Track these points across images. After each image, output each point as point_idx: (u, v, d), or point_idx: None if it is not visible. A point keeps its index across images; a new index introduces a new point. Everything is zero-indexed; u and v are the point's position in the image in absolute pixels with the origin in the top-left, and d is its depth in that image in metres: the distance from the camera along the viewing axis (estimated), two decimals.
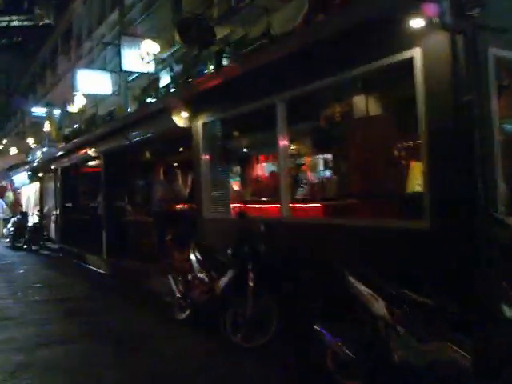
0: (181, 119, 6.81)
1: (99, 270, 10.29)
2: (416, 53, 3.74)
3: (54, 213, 15.25)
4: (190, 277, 5.72)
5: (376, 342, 3.40)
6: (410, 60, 3.80)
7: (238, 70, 5.43)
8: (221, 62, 12.55)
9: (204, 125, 6.59)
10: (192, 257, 5.68)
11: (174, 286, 5.86)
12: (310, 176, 6.61)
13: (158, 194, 8.21)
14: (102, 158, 10.60)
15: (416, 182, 4.79)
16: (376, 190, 5.32)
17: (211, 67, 11.05)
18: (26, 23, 42.91)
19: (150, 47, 14.11)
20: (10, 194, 22.44)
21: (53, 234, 15.82)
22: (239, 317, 4.70)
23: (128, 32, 17.11)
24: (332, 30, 4.22)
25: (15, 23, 42.52)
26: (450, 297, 3.18)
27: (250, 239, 4.84)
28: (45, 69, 31.83)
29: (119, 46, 16.02)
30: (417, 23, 3.56)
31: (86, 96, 17.79)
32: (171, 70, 16.18)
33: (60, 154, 14.06)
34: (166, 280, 7.56)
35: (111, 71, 18.19)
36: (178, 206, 8.37)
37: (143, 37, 14.47)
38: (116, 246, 10.24)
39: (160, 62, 15.97)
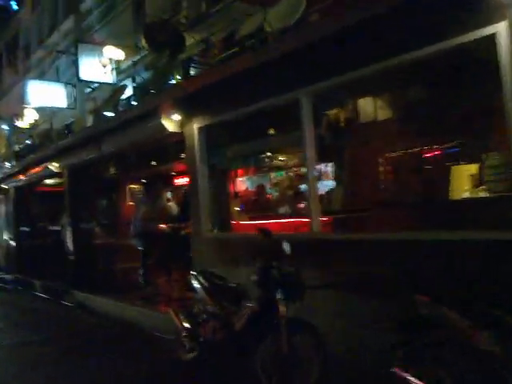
0: (171, 123, 5.87)
1: (66, 304, 9.01)
2: (500, 28, 3.08)
3: (6, 238, 13.65)
4: (196, 309, 4.75)
5: None
6: (490, 37, 3.13)
7: (251, 62, 4.59)
8: (188, 71, 11.71)
9: (200, 129, 5.68)
10: (196, 285, 4.72)
11: (176, 322, 4.85)
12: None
13: (140, 213, 7.15)
14: (65, 174, 9.39)
15: (463, 187, 4.13)
16: (409, 198, 4.63)
17: (178, 77, 10.27)
18: None
19: (113, 54, 13.01)
20: None
21: (3, 263, 14.14)
22: (270, 359, 3.81)
23: (85, 39, 16.03)
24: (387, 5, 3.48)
25: None
26: None
27: (277, 261, 3.96)
28: None
29: (75, 54, 14.93)
30: None
31: (38, 109, 16.44)
32: (133, 80, 15.16)
33: (13, 171, 12.60)
34: (151, 312, 6.57)
35: (66, 83, 17.05)
36: (163, 226, 7.36)
37: (103, 44, 13.43)
38: (84, 274, 9.03)
39: (121, 71, 14.94)
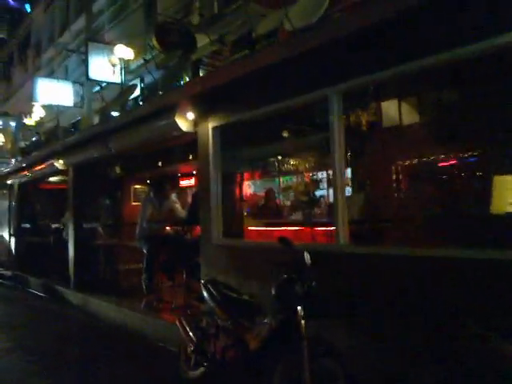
0: (185, 122, 5.53)
1: (64, 304, 8.66)
2: None
3: (7, 234, 13.33)
4: (204, 322, 4.37)
5: None
6: None
7: (279, 55, 4.22)
8: (198, 72, 11.46)
9: (215, 129, 5.33)
10: (206, 295, 4.33)
11: (182, 333, 4.46)
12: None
13: (147, 214, 6.80)
14: (71, 172, 9.08)
15: (507, 199, 3.76)
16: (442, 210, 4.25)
17: (187, 78, 10.01)
18: None
19: (123, 53, 12.78)
20: None
21: (3, 259, 13.83)
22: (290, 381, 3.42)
23: (96, 39, 15.92)
24: None
25: None
26: None
27: (298, 274, 3.58)
28: None
29: (85, 53, 14.83)
30: None
31: (45, 107, 16.35)
32: (142, 81, 14.95)
33: (18, 167, 12.31)
34: (154, 319, 6.20)
35: (74, 81, 16.96)
36: (169, 228, 7.00)
37: (113, 43, 13.23)
38: (85, 274, 8.68)
39: (130, 72, 14.75)
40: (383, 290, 3.60)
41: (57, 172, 10.38)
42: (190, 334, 4.38)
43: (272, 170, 8.12)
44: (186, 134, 5.78)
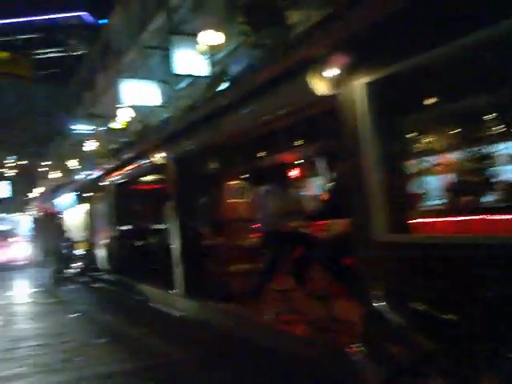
0: (321, 82, 4.29)
1: (176, 314, 7.80)
2: None
3: (106, 238, 13.03)
4: (396, 354, 3.11)
5: None
6: None
7: None
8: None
9: (370, 86, 4.04)
10: (391, 317, 3.06)
11: (366, 371, 3.24)
12: None
13: (269, 208, 5.70)
14: (171, 167, 8.24)
15: None
16: None
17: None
18: (60, 54, 44.55)
19: (211, 39, 11.99)
20: None
21: (101, 264, 13.60)
22: None
23: (177, 31, 15.35)
24: None
25: (51, 55, 44.05)
26: None
27: None
28: (83, 90, 30.80)
29: (167, 49, 14.37)
30: None
31: (131, 109, 16.26)
32: (226, 74, 14.10)
33: (111, 169, 11.90)
34: (290, 336, 5.06)
35: (159, 80, 16.67)
36: (298, 224, 5.82)
37: (196, 35, 12.50)
38: (195, 279, 7.81)
39: (216, 63, 13.92)
40: None
41: (153, 170, 9.73)
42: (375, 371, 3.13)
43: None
44: (318, 101, 4.54)
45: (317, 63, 4.24)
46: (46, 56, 42.18)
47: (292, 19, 9.31)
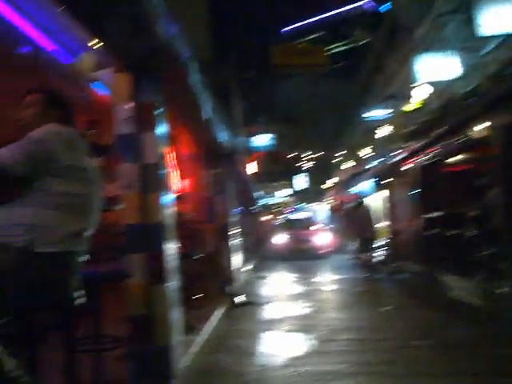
0: None
1: None
2: None
3: (411, 226, 12.15)
4: None
5: None
6: None
7: None
8: None
9: None
10: None
11: None
12: None
13: None
14: (500, 137, 6.68)
15: None
16: None
17: None
18: (347, 47, 46.02)
19: None
20: None
21: (406, 253, 12.76)
22: None
23: None
24: None
25: (339, 49, 46.01)
26: None
27: None
28: (372, 77, 30.84)
29: (467, 11, 12.50)
30: None
31: (428, 85, 14.88)
32: None
33: (414, 150, 10.95)
34: None
35: (457, 49, 14.79)
36: None
37: None
38: None
39: None
40: None
41: (467, 147, 8.28)
42: None
43: None
44: None
45: None
46: (335, 51, 44.18)
47: None
